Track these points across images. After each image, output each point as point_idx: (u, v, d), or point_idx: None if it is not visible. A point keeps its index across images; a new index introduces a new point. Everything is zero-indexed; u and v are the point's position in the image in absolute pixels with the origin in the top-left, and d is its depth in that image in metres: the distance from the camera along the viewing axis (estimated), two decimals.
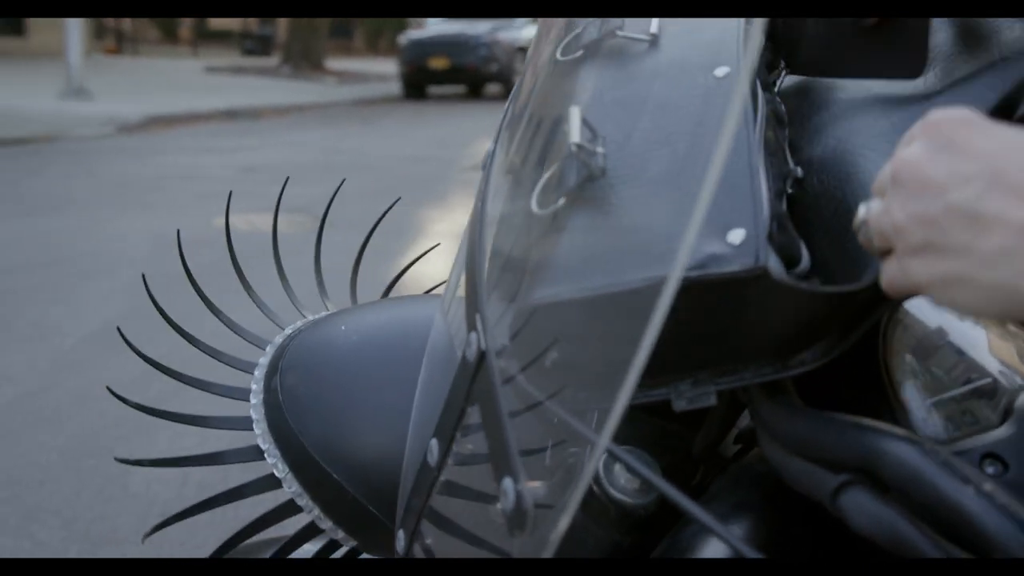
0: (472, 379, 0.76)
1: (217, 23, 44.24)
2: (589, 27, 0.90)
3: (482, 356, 0.75)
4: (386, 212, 1.34)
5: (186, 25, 40.58)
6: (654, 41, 0.88)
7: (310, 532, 1.02)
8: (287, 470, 0.99)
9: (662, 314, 0.52)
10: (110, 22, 34.13)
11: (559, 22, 0.91)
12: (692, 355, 0.73)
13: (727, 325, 0.71)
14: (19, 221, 6.67)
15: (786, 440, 0.70)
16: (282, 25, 33.98)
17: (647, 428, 0.85)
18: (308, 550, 1.08)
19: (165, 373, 1.11)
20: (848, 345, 0.71)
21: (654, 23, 0.89)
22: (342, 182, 1.46)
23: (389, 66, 26.93)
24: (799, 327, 0.71)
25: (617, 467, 0.82)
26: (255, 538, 1.04)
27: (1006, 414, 0.76)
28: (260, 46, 34.90)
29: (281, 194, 1.30)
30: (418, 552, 0.86)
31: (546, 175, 0.77)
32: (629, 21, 0.90)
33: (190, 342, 1.15)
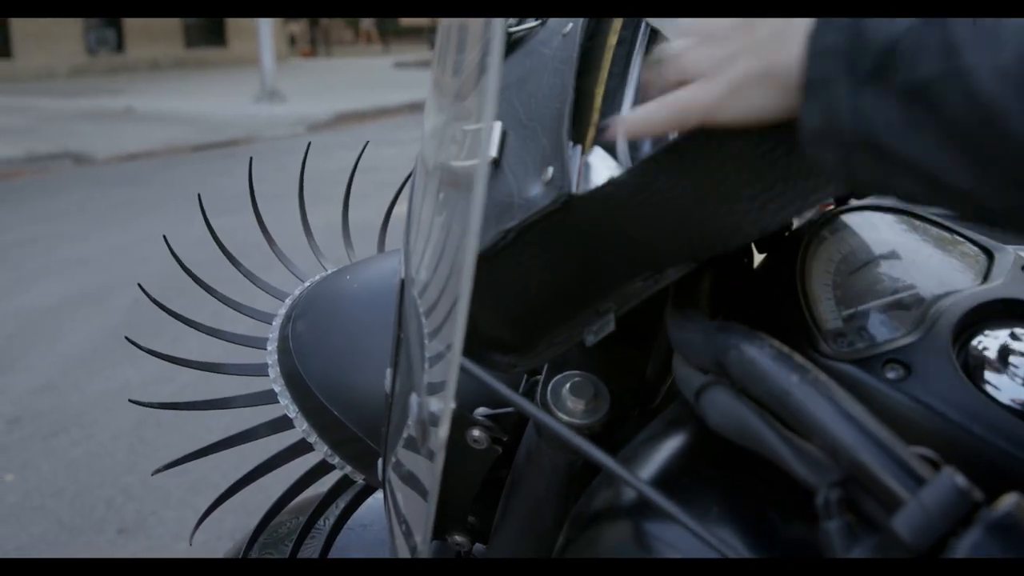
0: (400, 307, 0.82)
1: (408, 20, 45.14)
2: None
3: (403, 285, 0.81)
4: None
5: (375, 24, 41.55)
6: (543, 23, 0.92)
7: (323, 469, 1.09)
8: (297, 411, 1.06)
9: (468, 276, 0.57)
10: (302, 27, 35.28)
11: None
12: (586, 288, 0.77)
13: (596, 252, 0.74)
14: (210, 219, 7.03)
15: (676, 348, 0.73)
16: None
17: (599, 355, 0.88)
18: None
19: (187, 324, 1.21)
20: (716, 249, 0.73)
21: None
22: (365, 145, 1.54)
23: None
24: (660, 237, 0.73)
25: (564, 390, 0.86)
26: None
27: (920, 322, 0.77)
28: None
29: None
30: (392, 479, 0.92)
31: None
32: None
33: (211, 294, 1.25)
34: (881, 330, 0.77)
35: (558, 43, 0.86)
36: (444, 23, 0.88)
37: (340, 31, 42.20)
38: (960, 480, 0.54)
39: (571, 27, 0.86)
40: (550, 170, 0.72)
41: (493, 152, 0.78)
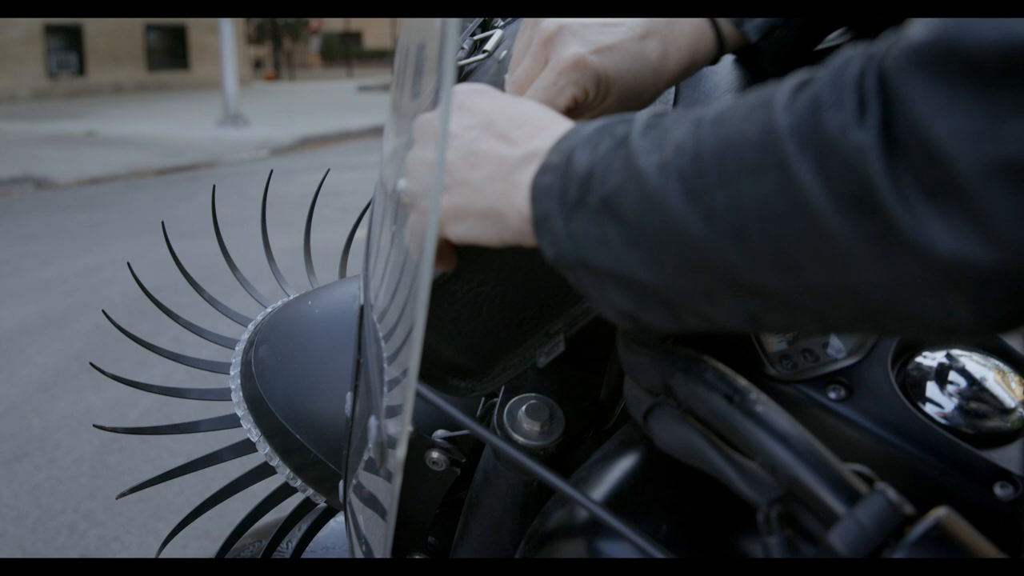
0: (359, 331, 0.84)
1: (372, 43, 45.19)
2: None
3: (362, 310, 0.83)
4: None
5: (319, 48, 41.50)
6: (489, 55, 0.95)
7: (284, 492, 1.11)
8: (259, 435, 1.08)
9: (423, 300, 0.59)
10: (266, 51, 35.21)
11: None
12: (534, 311, 0.80)
13: (540, 276, 0.77)
14: (174, 243, 7.01)
15: (626, 370, 0.76)
16: None
17: (554, 377, 0.91)
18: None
19: (151, 349, 1.22)
20: None
21: (491, 41, 0.95)
22: (326, 172, 1.56)
23: None
24: None
25: (520, 413, 0.88)
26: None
27: (862, 344, 0.80)
28: None
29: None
30: (352, 500, 0.94)
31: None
32: (468, 48, 0.97)
33: (174, 319, 1.26)
34: (824, 352, 0.80)
35: (494, 70, 0.89)
36: (401, 45, 0.90)
37: (304, 55, 42.18)
38: (892, 495, 0.57)
39: (505, 54, 0.89)
40: None
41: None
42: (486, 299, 0.79)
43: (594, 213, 0.57)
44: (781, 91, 0.50)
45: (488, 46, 0.95)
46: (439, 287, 0.77)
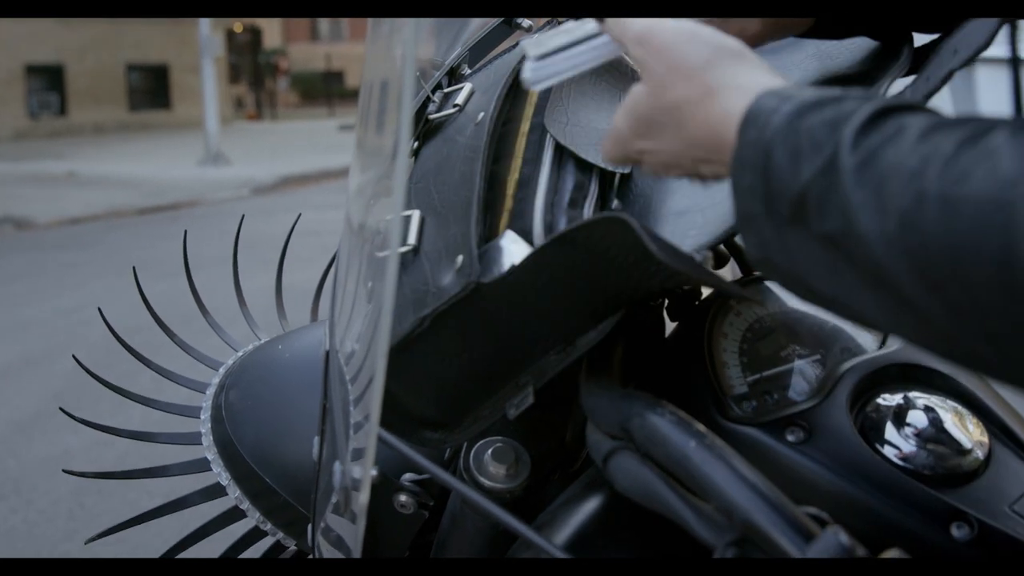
0: (325, 378, 0.85)
1: (353, 82, 45.27)
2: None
3: (327, 356, 0.84)
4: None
5: (288, 87, 41.58)
6: (461, 109, 0.96)
7: (255, 536, 1.11)
8: (229, 478, 1.08)
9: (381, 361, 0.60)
10: (247, 90, 35.28)
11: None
12: (504, 365, 0.81)
13: (510, 331, 0.78)
14: (151, 284, 6.95)
15: (588, 415, 0.77)
16: None
17: (521, 420, 0.91)
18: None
19: (121, 394, 1.23)
20: (620, 314, 0.76)
21: (461, 95, 0.96)
22: (298, 217, 1.57)
23: None
24: (571, 309, 0.77)
25: (486, 456, 0.89)
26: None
27: (822, 387, 0.81)
28: None
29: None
30: (321, 544, 0.94)
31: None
32: (439, 101, 0.98)
33: (146, 364, 1.27)
34: (784, 395, 0.81)
35: (471, 131, 0.90)
36: (365, 82, 0.91)
37: (286, 94, 42.30)
38: (844, 537, 0.58)
39: (483, 116, 0.90)
40: (460, 258, 0.76)
41: (412, 240, 0.82)
42: (456, 354, 0.80)
43: (819, 241, 0.54)
44: (1019, 193, 0.46)
45: (459, 100, 0.96)
46: (405, 347, 0.77)
